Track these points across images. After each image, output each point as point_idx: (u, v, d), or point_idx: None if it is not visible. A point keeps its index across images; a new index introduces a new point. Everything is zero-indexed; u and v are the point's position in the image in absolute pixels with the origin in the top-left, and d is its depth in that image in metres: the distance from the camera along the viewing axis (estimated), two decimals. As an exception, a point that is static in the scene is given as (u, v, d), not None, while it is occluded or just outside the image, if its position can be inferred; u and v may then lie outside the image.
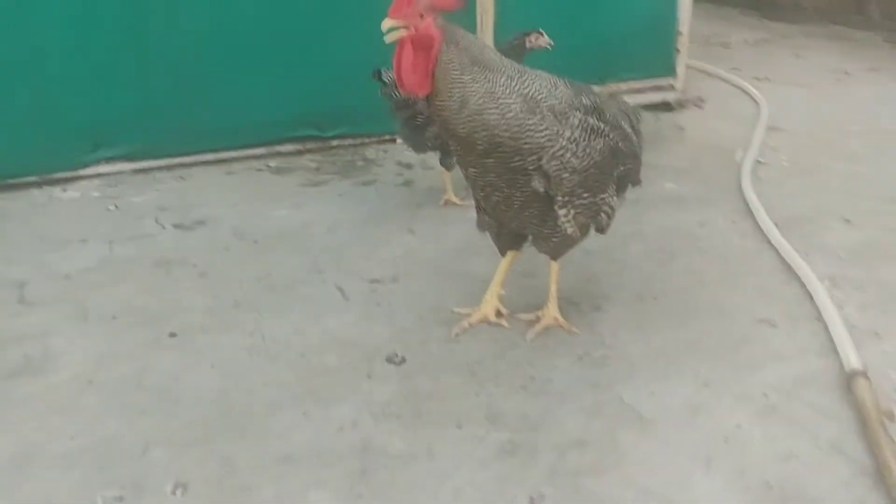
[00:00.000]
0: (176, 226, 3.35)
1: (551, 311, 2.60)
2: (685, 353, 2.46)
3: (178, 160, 3.95)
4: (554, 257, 2.56)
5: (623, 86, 4.73)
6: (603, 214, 2.42)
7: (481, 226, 2.57)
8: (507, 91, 2.15)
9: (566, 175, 2.23)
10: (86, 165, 3.81)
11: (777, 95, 5.04)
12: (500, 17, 4.29)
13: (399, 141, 3.84)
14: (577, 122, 2.23)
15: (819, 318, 2.61)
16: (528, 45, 3.37)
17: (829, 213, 3.40)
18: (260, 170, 3.98)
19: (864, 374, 2.25)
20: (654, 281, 2.88)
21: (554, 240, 2.43)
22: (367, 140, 4.24)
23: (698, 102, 4.98)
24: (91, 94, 3.73)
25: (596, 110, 2.32)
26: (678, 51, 4.77)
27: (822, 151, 4.11)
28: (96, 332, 2.59)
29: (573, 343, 2.52)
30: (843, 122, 4.53)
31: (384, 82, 3.23)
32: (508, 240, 2.56)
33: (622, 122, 2.46)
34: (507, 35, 4.19)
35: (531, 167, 2.21)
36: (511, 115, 2.14)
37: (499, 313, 2.65)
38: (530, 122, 2.16)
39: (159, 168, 3.92)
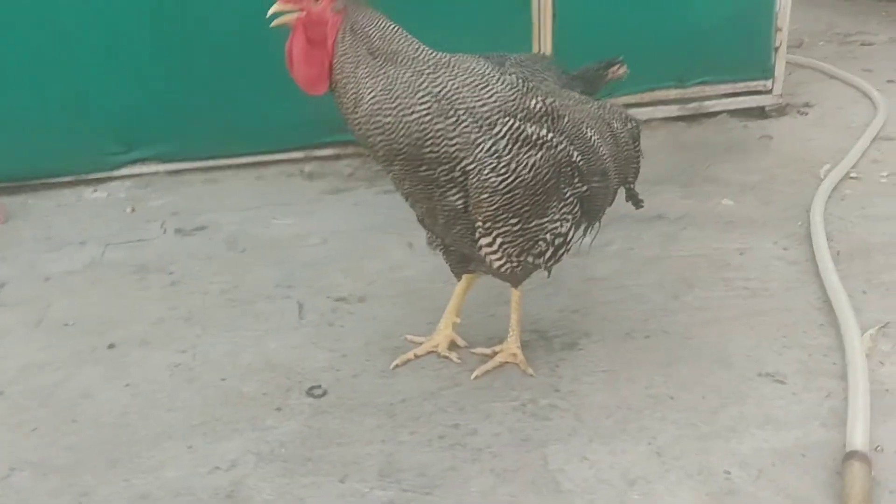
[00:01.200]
0: (177, 231, 3.24)
1: (510, 347, 2.23)
2: (652, 410, 2.02)
3: (211, 162, 3.85)
4: (512, 284, 2.20)
5: (708, 89, 4.19)
6: (542, 244, 2.01)
7: (429, 242, 2.25)
8: (411, 89, 1.82)
9: (485, 196, 1.86)
10: (120, 166, 3.79)
11: (907, 100, 4.31)
12: (561, 13, 3.91)
13: None
14: (504, 130, 1.86)
15: (843, 376, 2.08)
16: (609, 76, 3.01)
17: (914, 242, 2.79)
18: (291, 174, 3.81)
19: (865, 458, 1.73)
20: (656, 316, 2.44)
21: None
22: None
23: (802, 108, 4.33)
24: (125, 94, 3.69)
25: (547, 116, 1.94)
26: (776, 49, 4.16)
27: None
28: (38, 340, 2.50)
29: (523, 386, 2.14)
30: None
31: None
32: (458, 260, 2.22)
33: (588, 132, 2.04)
34: (569, 35, 3.90)
35: (443, 178, 1.87)
36: (413, 117, 1.81)
37: (454, 345, 2.31)
38: (438, 126, 1.82)
39: (192, 170, 3.84)
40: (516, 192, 1.87)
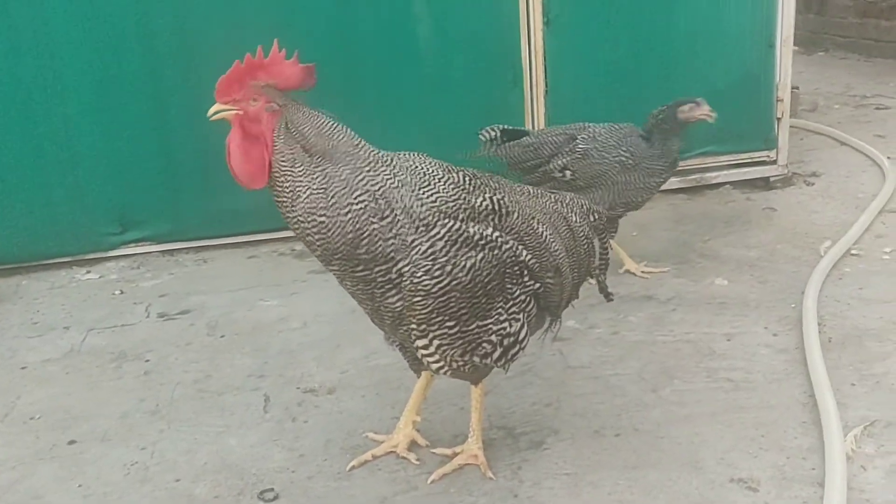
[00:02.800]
0: (160, 315, 3.23)
1: (471, 448, 2.14)
2: (611, 520, 1.91)
3: (204, 242, 3.87)
4: (472, 381, 2.11)
5: (710, 160, 4.12)
6: (487, 346, 1.93)
7: (386, 339, 2.19)
8: (348, 188, 1.78)
9: (418, 299, 1.80)
10: (114, 247, 3.82)
11: (919, 167, 4.19)
12: (553, 88, 3.89)
13: None
14: (443, 232, 1.80)
15: (822, 484, 1.95)
16: (679, 116, 3.00)
17: (913, 327, 2.65)
18: (283, 254, 3.80)
19: (831, 582, 1.60)
20: (629, 411, 2.33)
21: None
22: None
23: (809, 178, 4.23)
24: (120, 176, 3.74)
25: (493, 213, 1.88)
26: (778, 120, 4.07)
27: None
28: (1, 435, 2.47)
29: (481, 491, 2.04)
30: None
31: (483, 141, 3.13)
32: (415, 357, 2.14)
33: (540, 227, 1.97)
34: (562, 109, 3.88)
35: (381, 279, 1.81)
36: (348, 217, 1.77)
37: (414, 444, 2.23)
38: (373, 226, 1.77)
39: (185, 250, 3.86)
40: (452, 294, 1.81)
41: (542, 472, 2.10)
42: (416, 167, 1.87)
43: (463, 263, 1.80)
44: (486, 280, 1.83)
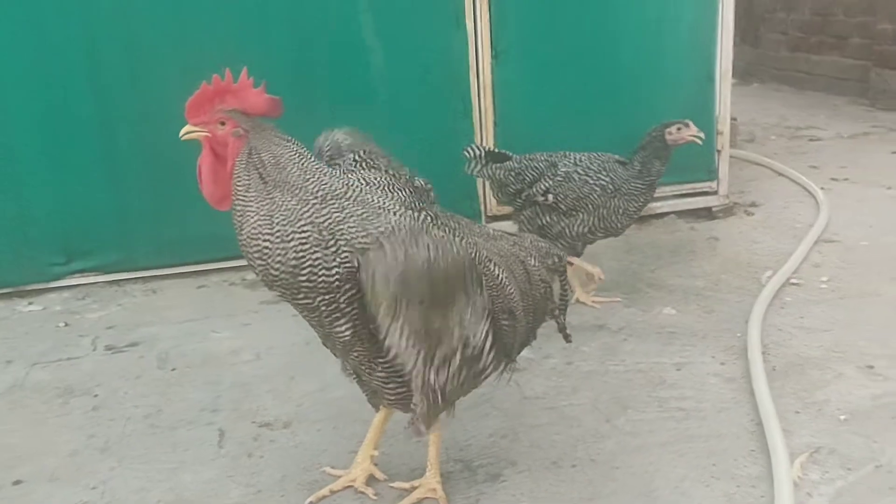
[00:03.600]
0: (108, 347, 3.17)
1: (430, 481, 2.15)
2: (570, 552, 1.94)
3: (153, 272, 3.82)
4: (434, 420, 2.12)
5: (658, 191, 4.21)
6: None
7: (343, 369, 2.19)
8: (293, 217, 1.79)
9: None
10: (59, 277, 3.74)
11: (850, 199, 4.38)
12: (500, 115, 3.96)
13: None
14: None
15: (771, 510, 2.01)
16: (668, 138, 3.05)
17: (851, 355, 2.76)
18: (233, 283, 3.77)
19: None
20: (585, 442, 2.37)
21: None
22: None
23: (749, 208, 4.37)
24: (65, 206, 3.68)
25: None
26: (718, 152, 4.21)
27: (874, 272, 3.43)
28: (-58, 475, 2.39)
29: (441, 525, 2.05)
30: (914, 236, 3.81)
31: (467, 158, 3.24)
32: (373, 390, 2.14)
33: (495, 270, 1.99)
34: (510, 137, 3.95)
35: (325, 308, 1.82)
36: (290, 244, 1.77)
37: (372, 478, 2.23)
38: (315, 255, 1.78)
39: (133, 280, 3.80)
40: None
41: (501, 504, 2.12)
42: (370, 201, 1.87)
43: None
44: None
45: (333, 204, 1.82)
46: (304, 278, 1.78)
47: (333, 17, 3.70)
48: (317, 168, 1.87)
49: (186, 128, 1.88)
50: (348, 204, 1.84)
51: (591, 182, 3.06)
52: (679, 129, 3.06)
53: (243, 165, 1.83)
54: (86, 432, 2.58)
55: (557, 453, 2.32)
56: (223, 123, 1.85)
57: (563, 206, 3.08)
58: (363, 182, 1.93)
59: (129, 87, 3.59)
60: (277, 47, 3.66)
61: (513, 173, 3.18)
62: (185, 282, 3.79)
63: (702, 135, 3.09)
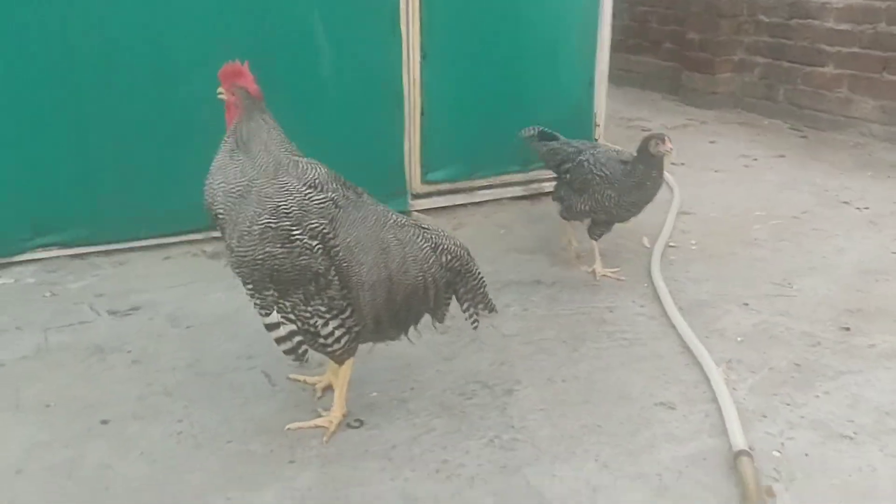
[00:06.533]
0: (111, 312, 3.46)
1: (333, 414, 2.66)
2: (588, 436, 2.65)
3: (116, 245, 4.07)
4: (336, 361, 2.64)
5: (545, 172, 5.01)
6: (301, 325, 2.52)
7: None
8: (238, 173, 2.41)
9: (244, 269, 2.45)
10: (22, 251, 3.91)
11: (691, 180, 5.40)
12: (427, 111, 4.57)
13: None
14: (262, 220, 2.36)
15: (714, 399, 2.84)
16: (651, 150, 3.62)
17: (730, 297, 3.68)
18: (196, 255, 4.12)
19: (748, 454, 2.47)
20: (564, 364, 3.09)
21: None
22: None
23: (617, 187, 5.29)
24: (30, 180, 3.84)
25: (318, 235, 2.39)
26: (597, 140, 5.09)
27: (727, 236, 4.42)
28: (28, 421, 2.69)
29: (485, 426, 2.70)
30: (749, 208, 4.87)
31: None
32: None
33: (362, 256, 2.46)
34: (434, 128, 4.60)
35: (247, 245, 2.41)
36: (230, 188, 2.41)
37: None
38: (247, 207, 2.38)
39: (97, 253, 4.03)
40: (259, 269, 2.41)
41: (522, 410, 2.79)
42: (287, 185, 2.40)
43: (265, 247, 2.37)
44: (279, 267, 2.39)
45: (262, 174, 2.40)
46: (221, 212, 2.41)
47: (288, 21, 4.13)
48: (278, 145, 2.46)
49: (220, 90, 2.51)
50: (276, 181, 2.40)
51: (595, 171, 3.72)
52: (657, 143, 3.61)
53: (231, 129, 2.47)
54: (141, 381, 2.94)
55: (548, 373, 3.03)
56: (233, 94, 2.49)
57: (576, 185, 3.82)
58: (311, 165, 2.50)
59: (98, 62, 3.82)
60: (238, 46, 3.99)
61: (551, 151, 4.00)
62: (150, 254, 4.08)
63: (670, 147, 3.61)
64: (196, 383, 2.94)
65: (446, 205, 4.79)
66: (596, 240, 3.95)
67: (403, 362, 3.06)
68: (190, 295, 3.63)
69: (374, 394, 2.87)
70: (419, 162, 4.66)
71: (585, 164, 3.77)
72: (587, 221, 3.97)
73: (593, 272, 3.92)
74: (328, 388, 2.86)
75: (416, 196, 4.72)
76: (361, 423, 2.71)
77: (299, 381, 2.92)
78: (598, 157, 3.80)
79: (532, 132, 4.14)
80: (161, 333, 3.29)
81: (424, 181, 4.73)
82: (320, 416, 2.70)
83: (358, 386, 2.91)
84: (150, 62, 3.93)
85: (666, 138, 3.58)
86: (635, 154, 3.71)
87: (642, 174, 3.65)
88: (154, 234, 4.13)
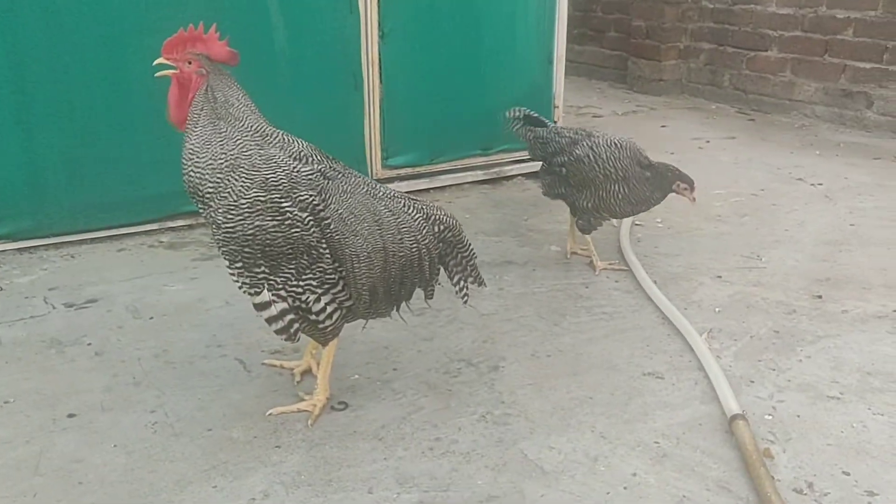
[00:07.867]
0: (67, 305, 3.28)
1: (317, 398, 2.57)
2: (580, 408, 2.59)
3: (66, 238, 3.87)
4: (322, 342, 2.56)
5: (506, 156, 4.98)
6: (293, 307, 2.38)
7: None
8: (226, 144, 2.26)
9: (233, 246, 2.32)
10: (-36, 246, 3.69)
11: (648, 162, 5.41)
12: (386, 88, 4.48)
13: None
14: (250, 194, 2.25)
15: (700, 368, 2.81)
16: (672, 187, 3.47)
17: (702, 270, 3.68)
18: (152, 245, 3.94)
19: (744, 417, 2.44)
20: (548, 339, 3.03)
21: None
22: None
23: (577, 170, 5.27)
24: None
25: (307, 205, 2.29)
26: (555, 123, 5.05)
27: (691, 213, 4.43)
28: (-12, 418, 2.51)
29: (475, 403, 2.62)
30: (708, 186, 4.89)
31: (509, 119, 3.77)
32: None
33: (356, 226, 2.36)
34: (393, 108, 4.51)
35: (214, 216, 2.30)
36: (218, 163, 2.25)
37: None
38: (218, 176, 2.25)
39: (46, 246, 3.83)
40: (248, 245, 2.29)
41: (510, 385, 2.72)
42: (274, 158, 2.29)
43: (256, 224, 2.26)
44: (270, 241, 2.27)
45: (250, 140, 2.29)
46: (208, 186, 2.25)
47: (244, -1, 4.00)
48: (254, 113, 2.35)
49: (160, 60, 2.33)
50: (266, 145, 2.31)
51: (598, 169, 3.45)
52: (684, 189, 3.46)
53: (201, 99, 2.30)
54: (106, 373, 2.78)
55: (532, 349, 2.97)
56: (190, 63, 2.32)
57: (573, 182, 3.55)
58: (291, 137, 2.40)
59: (45, 48, 3.63)
60: (187, 15, 3.87)
61: (540, 140, 3.66)
62: (102, 246, 3.90)
63: (695, 198, 3.48)
64: (165, 372, 2.79)
65: (408, 190, 4.68)
66: (588, 233, 3.70)
67: (380, 345, 2.97)
68: (149, 286, 3.46)
69: (356, 376, 2.76)
70: (380, 146, 4.55)
71: (585, 160, 3.48)
72: (577, 213, 3.66)
73: (592, 265, 3.69)
74: (307, 373, 2.75)
75: (378, 181, 4.60)
76: (346, 405, 2.60)
77: (275, 365, 2.80)
78: (598, 149, 3.49)
79: (517, 114, 3.79)
80: (122, 325, 3.12)
81: (385, 166, 4.63)
82: (303, 400, 2.59)
83: (337, 370, 2.79)
84: (97, 31, 3.72)
85: (694, 189, 3.43)
86: (654, 172, 3.47)
87: (649, 191, 3.48)
88: (106, 226, 3.94)
